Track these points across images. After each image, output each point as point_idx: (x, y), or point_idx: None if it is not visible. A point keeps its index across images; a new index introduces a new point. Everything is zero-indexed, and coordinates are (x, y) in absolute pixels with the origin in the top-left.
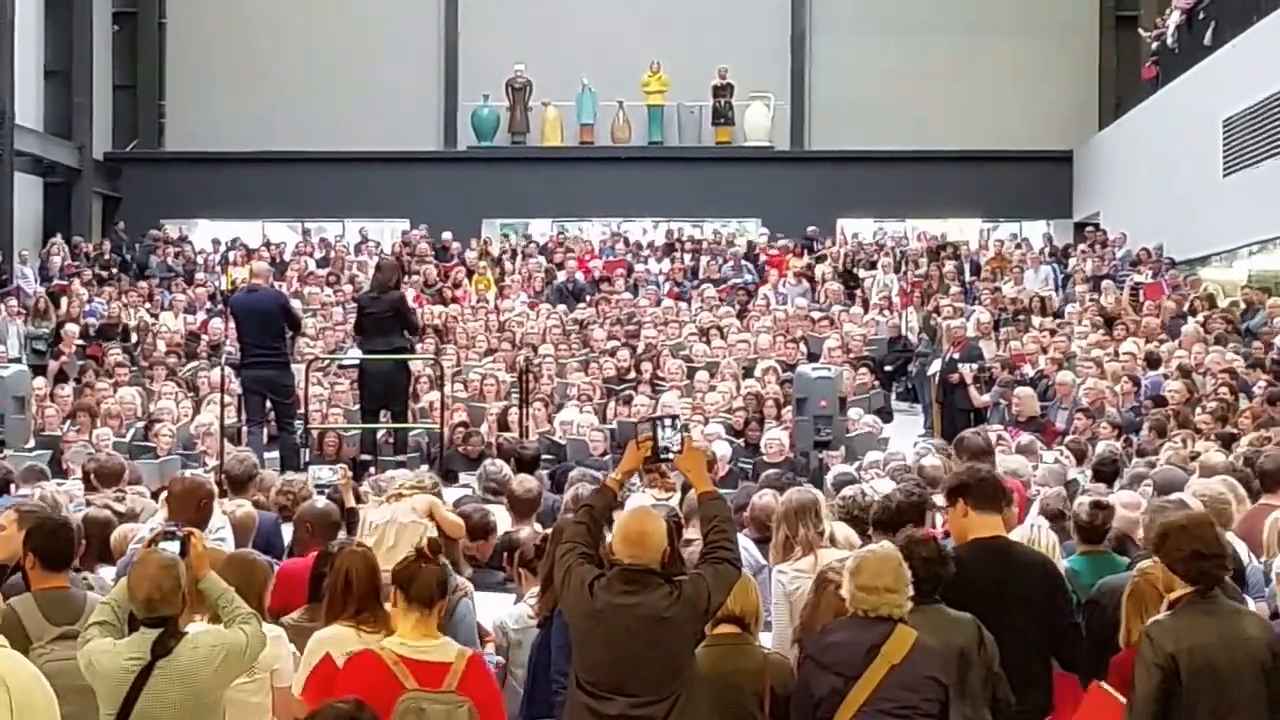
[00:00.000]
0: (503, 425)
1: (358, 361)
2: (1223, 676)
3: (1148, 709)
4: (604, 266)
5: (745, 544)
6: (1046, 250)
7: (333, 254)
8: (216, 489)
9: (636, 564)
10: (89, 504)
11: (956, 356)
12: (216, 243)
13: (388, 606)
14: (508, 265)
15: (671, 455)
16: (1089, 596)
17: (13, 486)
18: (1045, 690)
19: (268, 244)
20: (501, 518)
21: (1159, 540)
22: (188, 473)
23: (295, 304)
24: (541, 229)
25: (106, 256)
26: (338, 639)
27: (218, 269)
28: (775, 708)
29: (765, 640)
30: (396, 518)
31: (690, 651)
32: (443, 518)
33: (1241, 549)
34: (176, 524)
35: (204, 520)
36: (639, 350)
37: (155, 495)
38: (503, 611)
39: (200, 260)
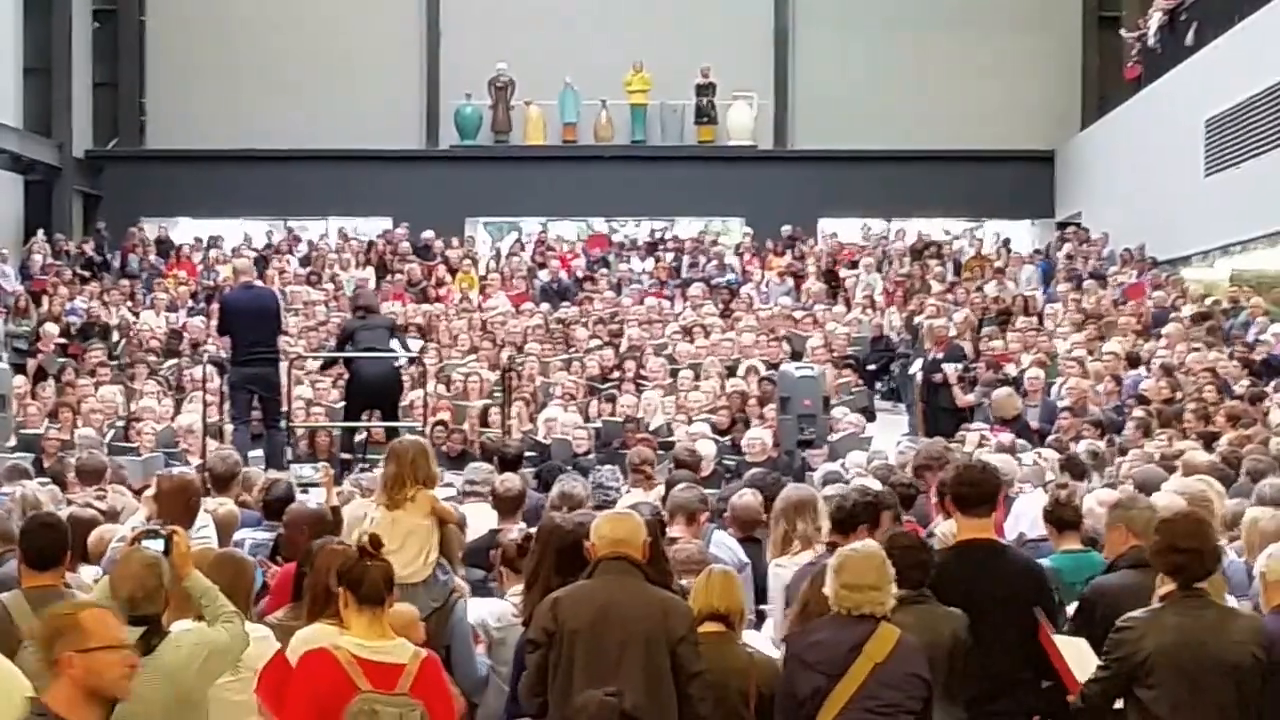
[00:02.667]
0: (484, 423)
1: (342, 359)
2: (1188, 676)
3: (1096, 692)
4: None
5: (728, 542)
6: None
7: (314, 253)
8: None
9: (618, 553)
10: (69, 503)
11: (939, 356)
12: (199, 240)
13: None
14: (491, 264)
15: None
16: (1081, 597)
17: None
18: (1032, 692)
19: (248, 242)
20: (483, 516)
21: (1152, 532)
22: (175, 470)
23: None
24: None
25: (88, 255)
26: (319, 637)
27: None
28: (761, 706)
29: (753, 637)
30: (401, 521)
31: (668, 663)
32: (441, 509)
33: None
34: (162, 521)
35: (192, 518)
36: (622, 349)
37: (138, 493)
38: (484, 610)
39: (179, 258)
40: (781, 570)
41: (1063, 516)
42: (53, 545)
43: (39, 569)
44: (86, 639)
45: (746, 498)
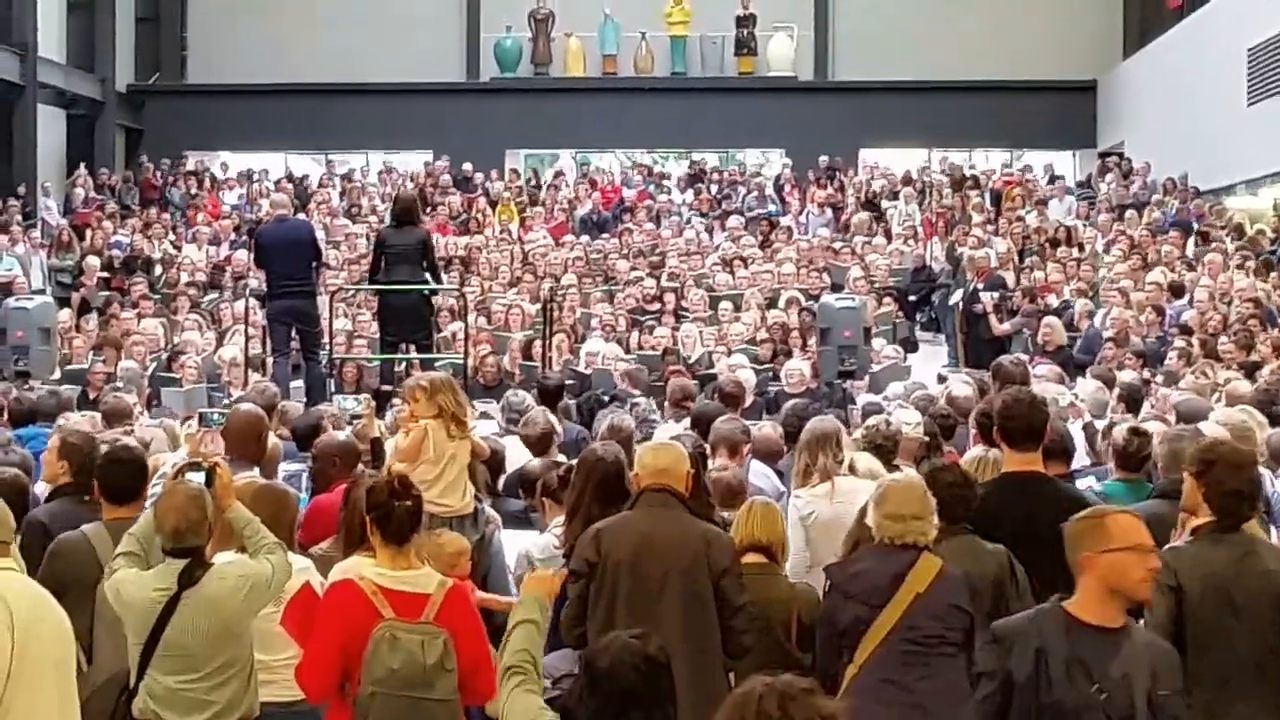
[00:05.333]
0: (526, 355)
1: (384, 290)
2: (1236, 606)
3: (1162, 634)
4: (636, 198)
5: (766, 471)
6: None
7: (349, 186)
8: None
9: (661, 484)
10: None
11: (980, 286)
12: (243, 174)
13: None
14: (532, 197)
15: None
16: None
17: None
18: None
19: (290, 176)
20: (523, 448)
21: (1204, 466)
22: (243, 406)
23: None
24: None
25: (132, 189)
26: (356, 569)
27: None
28: (802, 637)
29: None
30: (460, 454)
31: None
32: (475, 440)
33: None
34: (230, 457)
35: (263, 452)
36: (662, 281)
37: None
38: (527, 541)
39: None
40: (797, 501)
41: (1128, 450)
42: (130, 479)
43: (118, 503)
44: (1108, 540)
45: (766, 429)
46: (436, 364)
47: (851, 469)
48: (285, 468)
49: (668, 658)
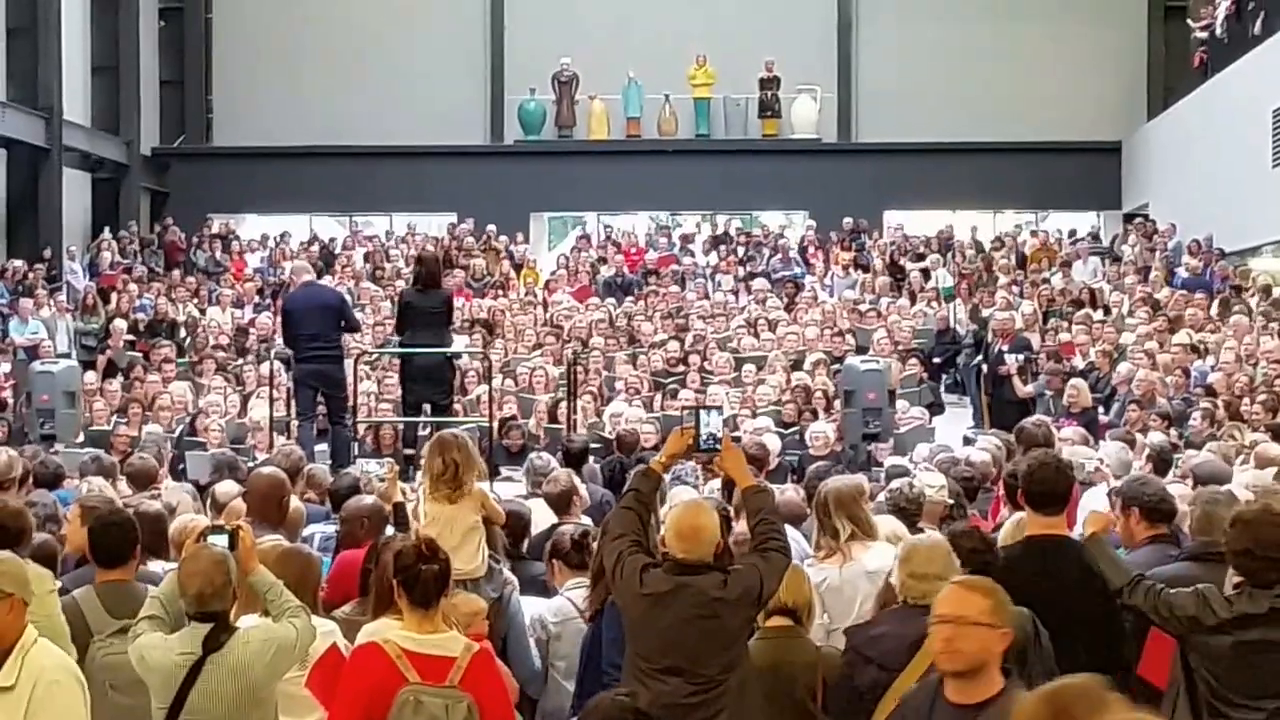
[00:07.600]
0: (551, 418)
1: (408, 353)
2: (1255, 665)
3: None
4: (657, 261)
5: (794, 535)
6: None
7: (371, 250)
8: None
9: (690, 558)
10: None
11: (1005, 348)
12: (265, 237)
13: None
14: (560, 260)
15: (715, 447)
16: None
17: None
18: None
19: (314, 238)
20: (548, 511)
21: (1230, 524)
22: (265, 469)
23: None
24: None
25: (157, 252)
26: (383, 632)
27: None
28: (828, 700)
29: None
30: (459, 517)
31: (743, 639)
32: (489, 506)
33: None
34: (253, 520)
35: (284, 516)
36: (687, 343)
37: (204, 489)
38: (541, 605)
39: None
40: (811, 570)
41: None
42: (121, 543)
43: (108, 566)
44: None
45: (789, 493)
46: (459, 427)
47: (856, 537)
48: (320, 529)
49: (658, 714)
